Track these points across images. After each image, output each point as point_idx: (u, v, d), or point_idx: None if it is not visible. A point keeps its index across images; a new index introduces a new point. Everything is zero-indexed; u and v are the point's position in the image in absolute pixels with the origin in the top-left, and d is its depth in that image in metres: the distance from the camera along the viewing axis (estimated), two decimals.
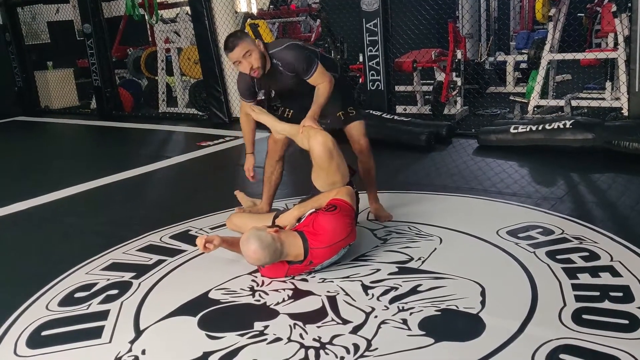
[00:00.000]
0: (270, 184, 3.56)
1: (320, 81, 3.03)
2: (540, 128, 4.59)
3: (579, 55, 5.68)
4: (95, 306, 2.62)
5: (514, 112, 5.52)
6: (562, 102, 5.41)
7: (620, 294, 2.36)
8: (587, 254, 2.75)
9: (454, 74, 6.17)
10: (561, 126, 4.50)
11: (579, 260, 2.69)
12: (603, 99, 5.63)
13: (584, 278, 2.52)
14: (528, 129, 4.64)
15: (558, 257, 2.74)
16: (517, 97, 5.94)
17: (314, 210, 2.76)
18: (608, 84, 5.71)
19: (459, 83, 6.18)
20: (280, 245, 2.57)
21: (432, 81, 6.60)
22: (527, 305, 2.34)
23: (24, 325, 2.51)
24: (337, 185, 2.85)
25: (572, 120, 4.50)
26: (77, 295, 2.75)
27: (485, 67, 7.89)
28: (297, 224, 2.77)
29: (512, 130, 4.71)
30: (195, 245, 3.19)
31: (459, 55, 6.16)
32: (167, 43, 8.03)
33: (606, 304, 2.30)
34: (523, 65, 7.32)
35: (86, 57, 8.52)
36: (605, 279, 2.50)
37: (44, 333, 2.43)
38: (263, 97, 3.50)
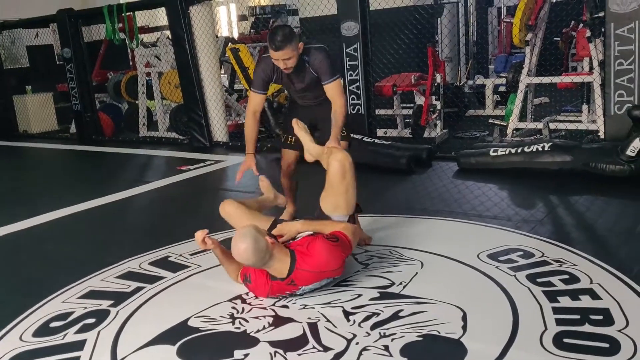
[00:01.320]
0: (292, 191, 3.75)
1: (337, 94, 3.17)
2: (519, 151, 4.63)
3: (555, 79, 5.77)
4: (71, 336, 2.56)
5: (493, 135, 5.58)
6: (540, 125, 5.48)
7: (601, 317, 2.37)
8: (567, 276, 2.76)
9: (433, 97, 6.23)
10: (539, 149, 4.55)
11: (559, 283, 2.70)
12: (580, 121, 5.72)
13: (564, 301, 2.52)
14: (507, 152, 4.69)
15: (538, 280, 2.75)
16: (496, 120, 6.01)
17: (312, 233, 2.76)
18: (585, 107, 5.80)
19: (439, 106, 6.24)
20: (269, 256, 2.57)
21: (412, 105, 6.66)
22: (509, 329, 2.33)
23: None
24: (340, 210, 2.86)
25: (551, 143, 4.56)
26: (53, 324, 2.69)
27: (465, 91, 7.99)
28: (291, 241, 2.76)
29: (491, 153, 4.75)
30: (175, 272, 3.18)
31: (438, 79, 6.23)
32: (148, 67, 8.02)
33: (587, 327, 2.30)
34: (502, 89, 7.41)
35: (66, 81, 8.47)
36: (585, 301, 2.51)
37: None
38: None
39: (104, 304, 2.86)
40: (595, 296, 2.55)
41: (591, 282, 2.68)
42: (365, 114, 5.84)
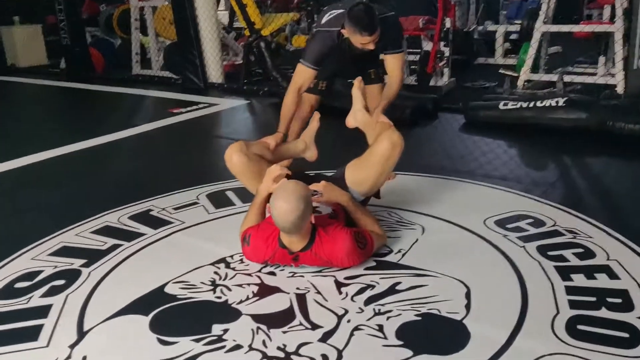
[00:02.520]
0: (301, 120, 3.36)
1: (398, 67, 2.99)
2: (531, 105, 4.33)
3: (575, 28, 5.39)
4: (36, 300, 2.34)
5: (503, 87, 5.25)
6: (554, 77, 5.15)
7: (619, 301, 2.13)
8: (581, 250, 2.52)
9: (442, 43, 5.85)
10: (553, 104, 4.24)
11: (572, 258, 2.46)
12: (595, 74, 5.38)
13: (579, 280, 2.29)
14: (518, 106, 4.39)
15: (550, 253, 2.51)
16: (507, 70, 5.66)
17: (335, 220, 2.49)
18: (601, 59, 5.45)
19: (447, 53, 5.88)
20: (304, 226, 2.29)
21: (419, 50, 6.28)
22: (517, 311, 2.11)
23: None
24: (362, 188, 2.64)
25: (565, 98, 4.25)
26: (18, 285, 2.46)
27: (474, 37, 7.59)
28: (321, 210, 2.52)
29: (501, 107, 4.45)
30: (156, 228, 2.95)
31: (447, 23, 5.85)
32: (142, 1, 7.57)
33: (603, 312, 2.07)
34: (514, 37, 7.03)
35: (55, 13, 8.03)
36: (602, 281, 2.28)
37: None
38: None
39: (76, 263, 2.63)
40: (612, 275, 2.31)
41: (608, 258, 2.44)
42: None
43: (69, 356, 1.97)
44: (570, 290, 2.21)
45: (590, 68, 5.79)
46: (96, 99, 6.94)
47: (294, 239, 2.34)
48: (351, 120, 2.97)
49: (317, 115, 3.07)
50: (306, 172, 2.96)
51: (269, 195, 2.51)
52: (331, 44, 2.90)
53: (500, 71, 5.69)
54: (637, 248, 2.50)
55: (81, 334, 2.09)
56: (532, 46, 5.27)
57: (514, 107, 4.39)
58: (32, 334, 2.10)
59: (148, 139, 4.84)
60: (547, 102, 4.27)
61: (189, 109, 5.79)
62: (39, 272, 2.57)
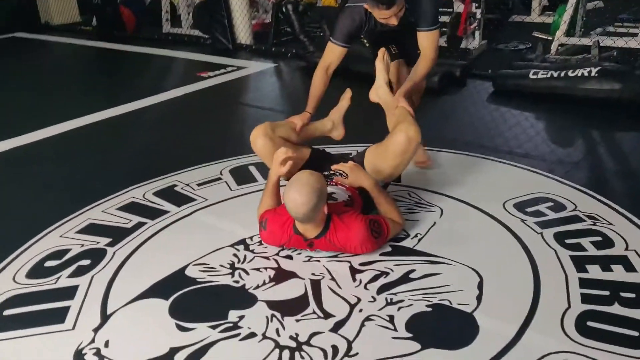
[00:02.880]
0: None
1: (431, 46, 2.74)
2: (562, 75, 4.21)
3: None
4: (64, 280, 2.45)
5: (535, 52, 5.08)
6: (589, 41, 4.95)
7: (633, 296, 2.13)
8: (599, 238, 2.50)
9: (474, 4, 5.67)
10: (585, 74, 4.11)
11: (590, 247, 2.45)
12: (637, 34, 5.12)
13: (594, 272, 2.28)
14: (549, 75, 4.27)
15: (567, 241, 2.49)
16: (541, 33, 5.46)
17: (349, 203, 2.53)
18: None
19: (479, 15, 5.70)
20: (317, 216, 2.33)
21: (450, 10, 6.10)
22: (528, 303, 2.12)
23: None
24: (379, 175, 2.66)
25: (599, 68, 4.11)
26: (48, 264, 2.58)
27: None
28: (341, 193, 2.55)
29: (531, 76, 4.33)
30: (179, 206, 3.02)
31: None
32: None
33: (615, 308, 2.07)
34: None
35: None
36: (618, 273, 2.26)
37: (6, 312, 2.26)
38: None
39: (102, 241, 2.73)
40: (629, 267, 2.29)
41: (626, 248, 2.42)
42: None
43: (93, 340, 2.07)
44: (584, 283, 2.21)
45: (635, 26, 5.51)
46: (124, 61, 6.98)
47: (308, 227, 2.38)
48: (373, 96, 2.93)
49: (348, 94, 3.00)
50: (327, 151, 2.98)
51: (279, 177, 2.57)
52: (359, 21, 2.79)
53: (533, 34, 5.51)
54: None
55: (105, 317, 2.20)
56: (569, 5, 5.06)
57: (544, 76, 4.27)
58: (59, 316, 2.21)
59: (174, 106, 4.88)
60: (578, 72, 4.14)
61: (216, 72, 5.80)
62: (67, 250, 2.68)
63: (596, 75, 4.06)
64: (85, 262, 2.58)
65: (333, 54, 2.85)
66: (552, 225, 2.62)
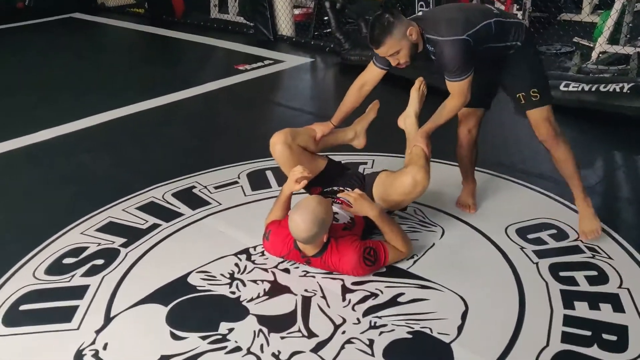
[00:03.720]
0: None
1: (455, 94, 2.54)
2: (593, 89, 4.11)
3: None
4: (77, 278, 2.64)
5: (572, 60, 4.96)
6: (634, 50, 4.79)
7: (614, 338, 2.14)
8: (595, 273, 2.50)
9: (515, 5, 5.56)
10: (617, 89, 4.01)
11: (583, 281, 2.45)
12: None
13: (581, 309, 2.29)
14: (580, 89, 4.18)
15: (562, 273, 2.50)
16: (582, 39, 5.32)
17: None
18: None
19: (519, 16, 5.58)
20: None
21: None
22: (507, 338, 2.16)
23: (7, 294, 2.55)
24: (385, 204, 2.69)
25: (632, 84, 3.99)
26: (66, 261, 2.77)
27: None
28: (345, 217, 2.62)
29: (562, 88, 4.25)
30: (194, 209, 3.16)
31: None
32: None
33: (594, 351, 2.08)
34: None
35: None
36: (604, 313, 2.27)
37: (22, 307, 2.46)
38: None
39: (117, 241, 2.91)
40: (617, 306, 2.29)
41: (620, 285, 2.41)
42: None
43: (93, 341, 2.25)
44: (568, 321, 2.23)
45: None
46: (167, 49, 7.19)
47: (307, 246, 2.48)
48: (401, 122, 2.93)
49: (375, 105, 2.99)
50: (342, 164, 3.03)
51: (292, 193, 2.67)
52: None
53: (574, 39, 5.36)
54: None
55: (107, 319, 2.37)
56: (612, 15, 4.91)
57: (575, 89, 4.19)
58: (68, 315, 2.39)
59: (206, 101, 5.03)
60: (610, 87, 4.04)
61: (253, 65, 5.91)
62: (85, 248, 2.87)
63: (628, 92, 3.96)
64: (99, 261, 2.76)
65: (371, 73, 2.77)
66: (550, 255, 2.63)
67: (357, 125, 3.02)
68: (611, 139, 3.80)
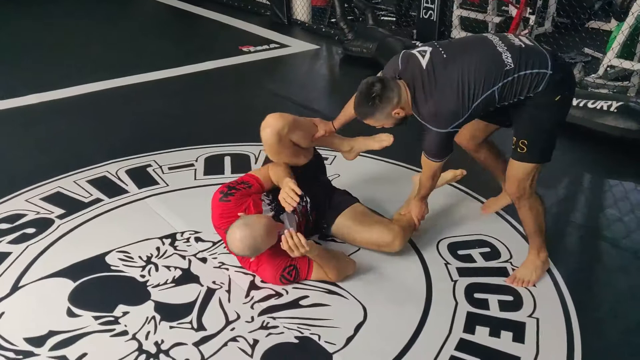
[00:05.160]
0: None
1: (425, 169, 2.49)
2: (581, 104, 3.93)
3: None
4: (3, 245, 2.69)
5: (578, 71, 4.73)
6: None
7: None
8: (510, 299, 2.41)
9: (528, 9, 5.36)
10: (605, 107, 3.82)
11: (494, 306, 2.36)
12: None
13: (480, 334, 2.21)
14: None
15: (476, 295, 2.42)
16: (595, 51, 5.08)
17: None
18: None
19: (532, 21, 5.37)
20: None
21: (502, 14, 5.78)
22: (391, 357, 2.11)
23: None
24: (339, 238, 2.71)
25: (620, 104, 3.80)
26: (0, 226, 2.84)
27: None
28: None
29: None
30: (140, 187, 3.19)
31: None
32: None
33: None
34: None
35: None
36: (502, 341, 2.18)
37: None
38: None
39: (56, 212, 2.96)
40: (518, 336, 2.20)
41: (531, 314, 2.32)
42: (437, 21, 5.18)
43: None
44: (461, 345, 2.16)
45: None
46: (179, 22, 7.21)
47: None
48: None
49: (385, 142, 2.75)
50: (322, 167, 2.93)
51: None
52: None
53: (584, 50, 5.13)
54: (575, 318, 2.32)
55: (14, 289, 2.42)
56: (623, 30, 4.66)
57: None
58: None
59: (201, 80, 5.02)
60: (598, 104, 3.85)
61: (258, 48, 5.89)
62: (23, 215, 2.93)
63: (615, 110, 3.77)
64: (31, 230, 2.81)
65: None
66: (472, 274, 2.54)
67: (357, 144, 2.84)
68: (585, 159, 3.64)
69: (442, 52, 2.30)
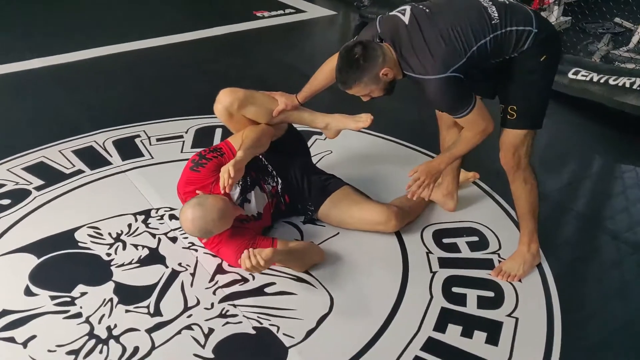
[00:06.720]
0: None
1: (467, 127, 2.18)
2: (602, 80, 3.64)
3: None
4: None
5: (601, 44, 4.40)
6: None
7: None
8: (491, 295, 2.24)
9: None
10: (627, 84, 3.53)
11: (472, 302, 2.20)
12: None
13: (451, 334, 2.06)
14: (589, 78, 3.71)
15: (455, 289, 2.26)
16: (626, 21, 4.70)
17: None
18: None
19: None
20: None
21: None
22: (351, 354, 1.98)
23: None
24: (328, 222, 2.56)
25: None
26: None
27: None
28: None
29: (570, 75, 3.80)
30: (124, 160, 3.10)
31: None
32: None
33: None
34: None
35: None
36: (474, 342, 2.02)
37: None
38: None
39: (35, 183, 2.88)
40: (492, 339, 2.04)
41: (510, 313, 2.14)
42: None
43: None
44: (428, 345, 2.01)
45: None
46: None
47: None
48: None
49: (366, 123, 2.50)
50: (300, 143, 2.76)
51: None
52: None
53: (614, 20, 4.76)
54: (558, 314, 2.14)
55: None
56: None
57: (584, 78, 3.72)
58: None
59: (207, 46, 4.85)
60: (620, 81, 3.56)
61: (273, 13, 5.68)
62: (2, 186, 2.87)
63: (638, 88, 3.47)
64: (6, 201, 2.75)
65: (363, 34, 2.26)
66: (454, 266, 2.37)
67: (334, 121, 2.57)
68: (599, 140, 3.37)
69: (424, 8, 2.13)
